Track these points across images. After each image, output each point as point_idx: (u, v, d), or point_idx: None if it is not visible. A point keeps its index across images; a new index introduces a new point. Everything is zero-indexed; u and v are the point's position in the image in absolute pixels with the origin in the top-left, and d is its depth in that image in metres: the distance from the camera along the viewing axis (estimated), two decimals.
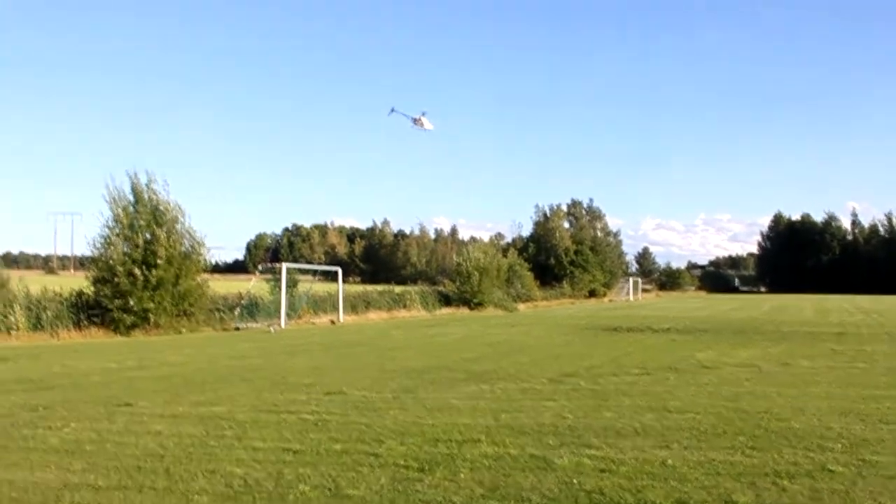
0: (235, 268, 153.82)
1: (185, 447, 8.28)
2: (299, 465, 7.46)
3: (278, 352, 20.55)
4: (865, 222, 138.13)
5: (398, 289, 48.46)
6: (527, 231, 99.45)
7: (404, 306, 42.81)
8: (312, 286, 39.70)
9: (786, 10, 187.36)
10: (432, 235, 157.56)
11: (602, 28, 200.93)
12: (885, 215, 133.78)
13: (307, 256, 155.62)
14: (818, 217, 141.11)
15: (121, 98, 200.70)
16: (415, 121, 46.28)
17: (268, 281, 37.41)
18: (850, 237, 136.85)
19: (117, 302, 26.42)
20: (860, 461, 7.67)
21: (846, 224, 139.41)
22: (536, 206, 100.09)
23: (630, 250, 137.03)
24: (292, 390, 12.72)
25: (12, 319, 24.56)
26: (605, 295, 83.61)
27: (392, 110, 45.88)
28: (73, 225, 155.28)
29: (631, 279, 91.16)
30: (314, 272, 50.71)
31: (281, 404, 11.19)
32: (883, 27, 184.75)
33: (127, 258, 27.15)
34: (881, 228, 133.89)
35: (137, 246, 27.54)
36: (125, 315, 26.45)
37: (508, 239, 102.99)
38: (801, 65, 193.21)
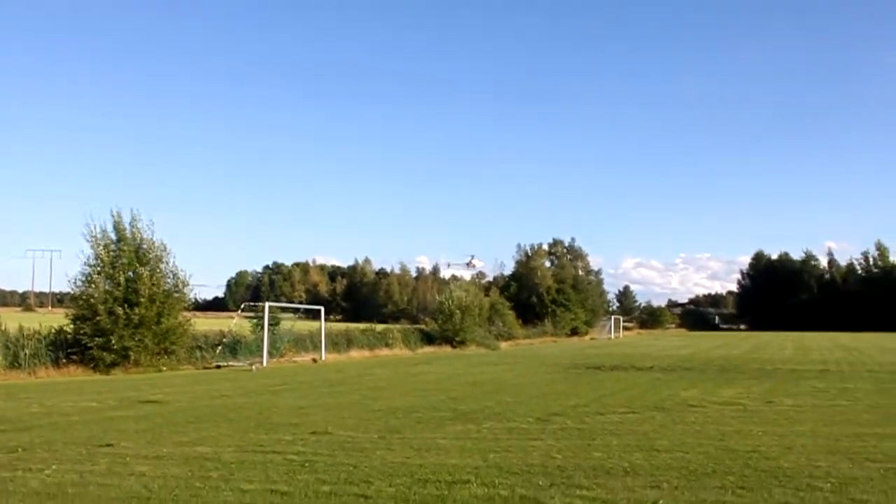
0: (215, 305, 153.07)
1: (171, 489, 8.14)
2: None
3: (261, 390, 20.35)
4: (842, 261, 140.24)
5: (380, 327, 48.19)
6: (508, 270, 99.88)
7: (386, 345, 42.58)
8: (294, 324, 39.49)
9: (763, 52, 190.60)
10: (414, 274, 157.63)
11: (584, 67, 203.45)
12: (862, 254, 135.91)
13: (288, 294, 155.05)
14: (797, 255, 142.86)
15: (102, 136, 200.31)
16: (467, 264, 58.78)
17: (250, 319, 37.16)
18: (827, 276, 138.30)
19: (98, 340, 26.09)
20: (850, 501, 7.69)
21: (824, 262, 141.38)
22: (518, 245, 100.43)
23: (611, 289, 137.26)
24: (277, 430, 12.58)
25: None
26: (586, 333, 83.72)
27: (448, 265, 57.68)
28: (52, 262, 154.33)
29: (612, 317, 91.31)
30: (296, 310, 50.47)
31: (267, 444, 11.06)
32: (859, 69, 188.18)
33: (108, 296, 26.91)
34: (858, 267, 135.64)
35: (119, 284, 27.30)
36: (105, 353, 26.12)
37: (490, 278, 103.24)
38: (777, 106, 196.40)
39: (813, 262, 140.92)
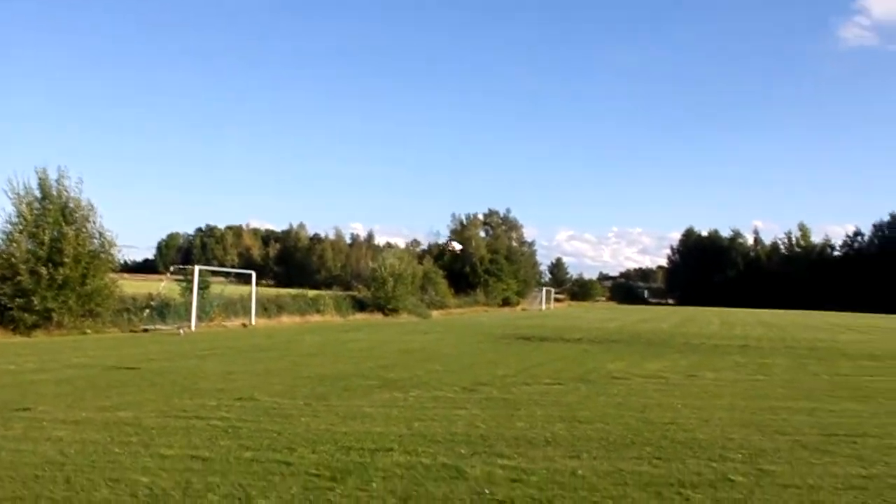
0: (145, 268, 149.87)
1: (88, 455, 8.01)
2: (208, 474, 7.31)
3: (188, 355, 20.09)
4: (767, 240, 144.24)
5: (312, 293, 47.87)
6: (443, 238, 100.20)
7: (318, 311, 42.38)
8: (225, 289, 39.04)
9: (700, 26, 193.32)
10: (348, 240, 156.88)
11: (520, 36, 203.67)
12: (785, 234, 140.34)
13: (220, 258, 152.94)
14: (726, 233, 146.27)
15: (29, 90, 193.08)
16: (447, 245, 64.48)
17: (179, 282, 36.61)
18: (752, 254, 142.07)
19: (18, 301, 25.37)
20: (759, 471, 7.97)
21: (751, 240, 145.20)
22: (453, 214, 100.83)
23: (544, 260, 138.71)
24: (202, 395, 12.46)
25: None
26: (518, 304, 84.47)
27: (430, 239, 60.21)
28: None
29: (544, 289, 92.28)
30: (227, 274, 49.88)
31: (190, 410, 10.96)
32: (790, 52, 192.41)
33: (31, 256, 26.14)
34: (781, 246, 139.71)
35: (43, 244, 26.51)
36: (26, 314, 25.43)
37: (424, 246, 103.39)
38: (711, 85, 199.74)
39: (740, 241, 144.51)
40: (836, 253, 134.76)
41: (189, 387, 13.57)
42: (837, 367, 20.49)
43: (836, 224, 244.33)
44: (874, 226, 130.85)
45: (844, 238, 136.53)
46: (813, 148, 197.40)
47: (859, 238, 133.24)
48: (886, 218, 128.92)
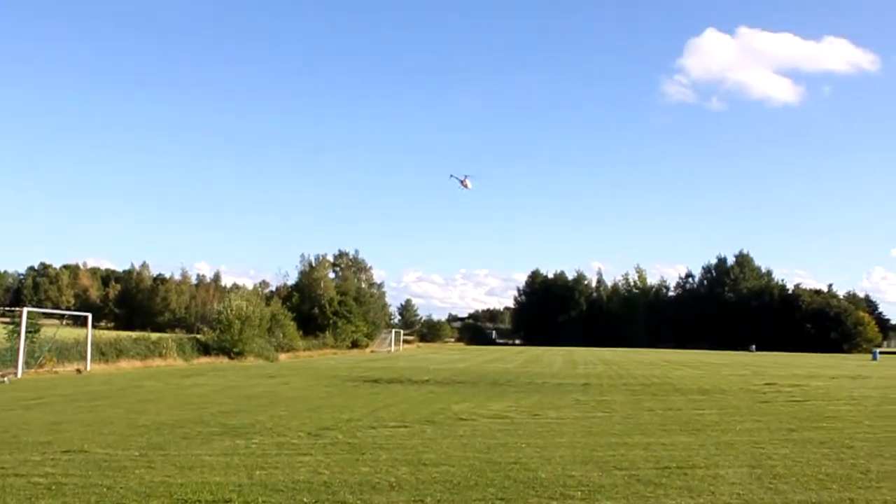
0: None
1: None
2: None
3: (12, 405, 18.73)
4: (609, 281, 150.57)
5: (154, 336, 46.08)
6: (292, 280, 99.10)
7: (160, 355, 40.72)
8: (58, 332, 36.87)
9: (537, 77, 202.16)
10: (194, 281, 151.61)
11: (375, 75, 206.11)
12: (622, 276, 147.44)
13: (54, 299, 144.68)
14: (571, 275, 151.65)
15: None
16: (461, 182, 55.25)
17: (5, 325, 34.30)
18: (595, 295, 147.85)
19: None
20: None
21: (594, 282, 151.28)
22: (302, 255, 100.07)
23: (393, 302, 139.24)
24: (24, 449, 11.61)
25: None
26: (367, 346, 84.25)
27: (451, 176, 54.80)
28: None
29: (393, 331, 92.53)
30: (61, 316, 47.24)
31: (9, 466, 10.17)
32: (631, 101, 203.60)
33: None
34: (621, 288, 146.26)
35: None
36: None
37: (273, 287, 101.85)
38: (552, 128, 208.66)
39: (584, 282, 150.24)
40: (670, 293, 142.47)
41: (9, 440, 12.62)
42: (670, 402, 21.47)
43: (670, 266, 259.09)
44: (703, 268, 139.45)
45: (677, 279, 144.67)
46: (646, 193, 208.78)
47: (690, 279, 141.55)
48: (714, 261, 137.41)
